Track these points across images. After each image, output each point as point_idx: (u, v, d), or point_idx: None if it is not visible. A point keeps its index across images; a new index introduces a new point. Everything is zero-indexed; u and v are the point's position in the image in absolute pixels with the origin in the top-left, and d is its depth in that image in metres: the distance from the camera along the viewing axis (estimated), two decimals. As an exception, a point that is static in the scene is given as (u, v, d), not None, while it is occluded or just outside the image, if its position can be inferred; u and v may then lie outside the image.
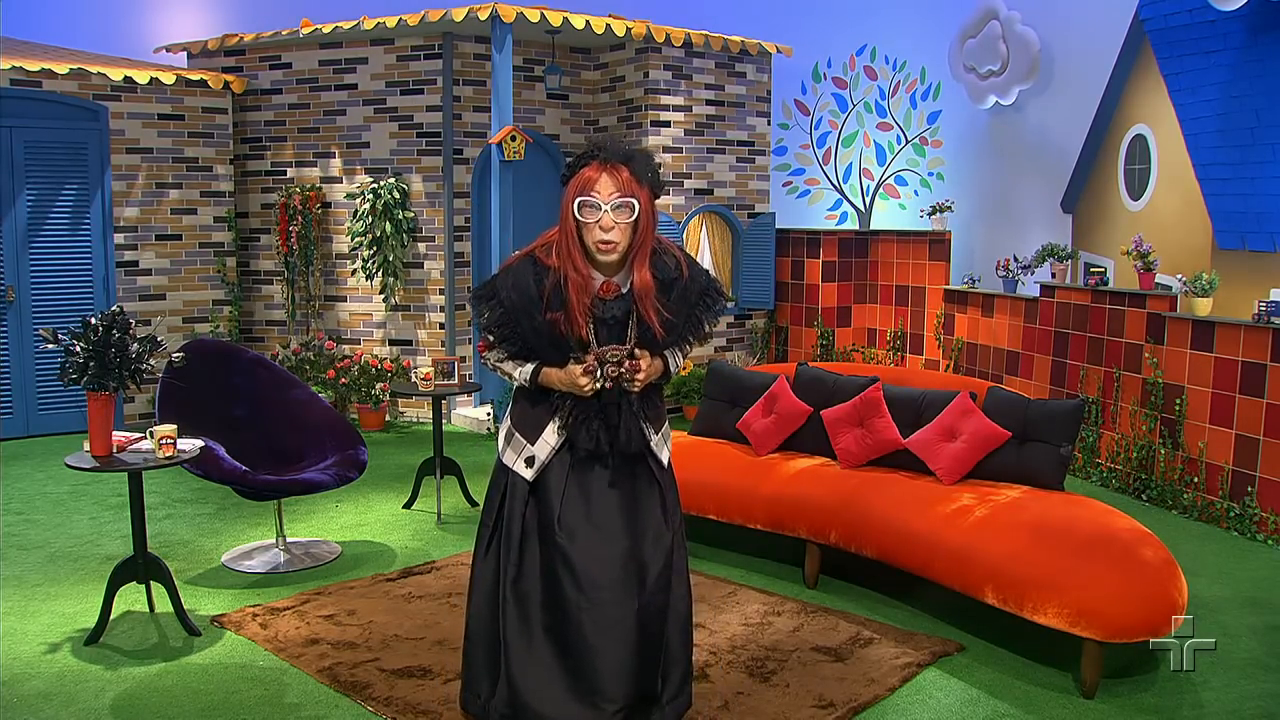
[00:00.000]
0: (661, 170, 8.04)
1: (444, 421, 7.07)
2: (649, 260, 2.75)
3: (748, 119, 8.28)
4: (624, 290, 2.79)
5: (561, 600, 2.82)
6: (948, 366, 7.68)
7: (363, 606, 4.15)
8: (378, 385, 7.57)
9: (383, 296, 7.68)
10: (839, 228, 8.71)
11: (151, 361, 3.89)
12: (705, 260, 8.13)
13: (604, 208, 2.65)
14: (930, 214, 8.00)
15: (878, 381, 4.65)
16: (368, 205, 7.51)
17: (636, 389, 2.80)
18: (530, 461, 2.86)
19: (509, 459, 2.91)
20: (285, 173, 7.94)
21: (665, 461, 2.98)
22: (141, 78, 7.31)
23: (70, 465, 3.74)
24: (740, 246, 8.25)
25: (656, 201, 2.79)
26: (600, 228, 2.66)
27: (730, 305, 8.32)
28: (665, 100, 7.82)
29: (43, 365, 7.13)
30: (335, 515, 5.47)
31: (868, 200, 9.09)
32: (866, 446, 4.51)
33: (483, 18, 6.89)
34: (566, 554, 2.81)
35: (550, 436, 2.85)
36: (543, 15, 7.01)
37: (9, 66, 6.89)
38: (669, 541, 2.91)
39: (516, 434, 2.91)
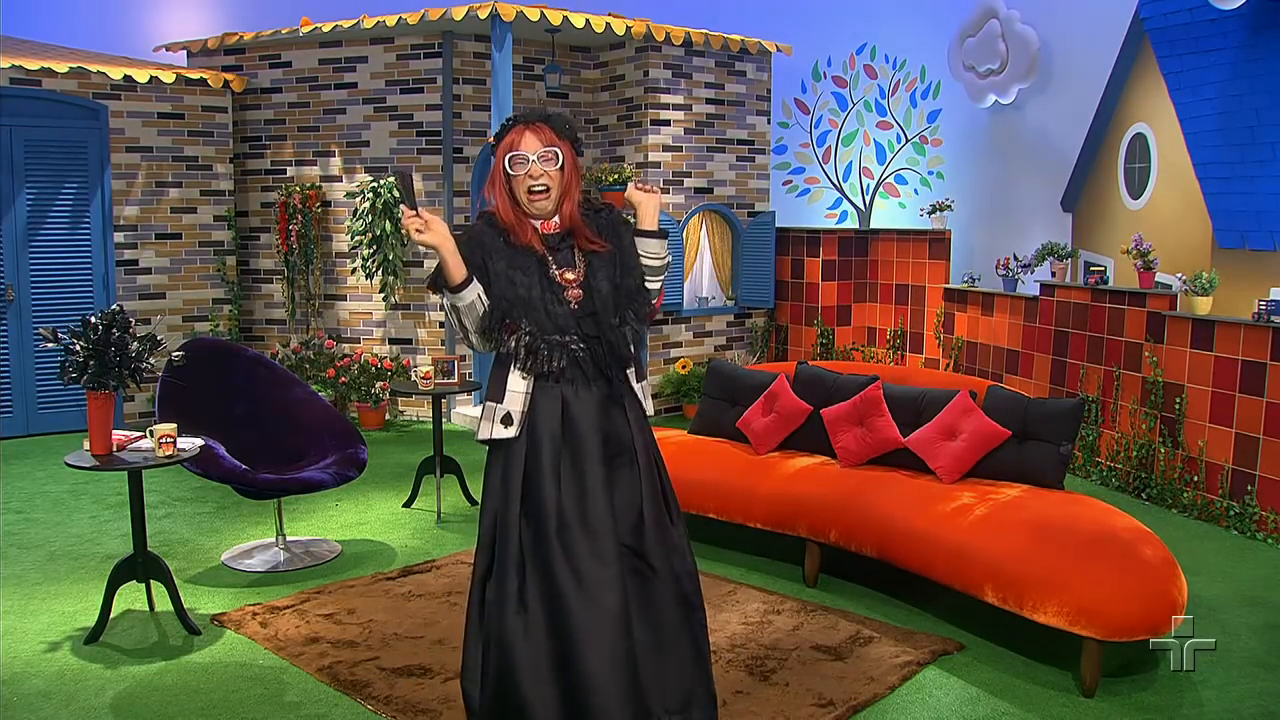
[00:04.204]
0: (661, 169, 8.05)
1: (444, 420, 7.07)
2: (577, 207, 2.91)
3: (748, 118, 8.27)
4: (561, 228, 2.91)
5: (558, 597, 2.75)
6: (948, 365, 7.68)
7: (362, 605, 4.15)
8: (378, 384, 7.57)
9: (382, 295, 7.68)
10: (839, 226, 8.72)
11: (151, 360, 3.90)
12: (705, 259, 8.15)
13: (531, 158, 2.82)
14: (930, 213, 8.00)
15: (877, 380, 4.65)
16: (367, 204, 7.50)
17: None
18: (507, 419, 2.81)
19: (484, 432, 2.86)
20: (285, 171, 7.94)
21: (650, 410, 2.99)
22: (141, 76, 7.30)
23: (70, 464, 3.75)
24: (740, 245, 8.25)
25: (580, 158, 2.95)
26: (530, 176, 2.83)
27: (730, 304, 8.33)
28: (665, 99, 7.82)
29: (43, 364, 7.13)
30: (335, 514, 5.47)
31: (867, 199, 9.09)
32: (866, 445, 4.51)
33: (482, 16, 6.89)
34: (564, 549, 2.76)
35: (517, 384, 2.82)
36: (543, 14, 7.00)
37: (9, 65, 6.88)
38: (664, 534, 2.87)
39: (487, 402, 2.89)
